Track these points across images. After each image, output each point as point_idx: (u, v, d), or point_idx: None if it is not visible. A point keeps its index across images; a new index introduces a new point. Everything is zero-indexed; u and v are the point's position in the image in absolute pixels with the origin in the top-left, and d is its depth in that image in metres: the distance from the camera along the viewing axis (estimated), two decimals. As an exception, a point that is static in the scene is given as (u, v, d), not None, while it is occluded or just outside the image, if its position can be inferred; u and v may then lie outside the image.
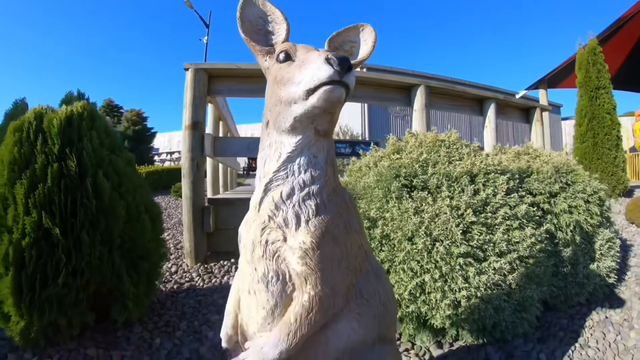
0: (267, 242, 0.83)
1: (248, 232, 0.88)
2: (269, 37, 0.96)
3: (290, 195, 0.83)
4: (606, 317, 2.12)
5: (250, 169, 15.51)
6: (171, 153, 19.68)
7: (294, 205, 0.83)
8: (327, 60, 0.76)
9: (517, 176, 1.95)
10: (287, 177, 0.85)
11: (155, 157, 17.26)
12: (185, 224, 2.90)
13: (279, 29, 0.95)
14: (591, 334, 1.98)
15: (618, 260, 2.29)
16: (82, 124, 1.67)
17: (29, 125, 1.64)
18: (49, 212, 1.51)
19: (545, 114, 4.72)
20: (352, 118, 17.65)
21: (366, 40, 0.99)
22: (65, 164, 1.57)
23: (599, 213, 2.07)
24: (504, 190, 1.77)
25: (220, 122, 4.87)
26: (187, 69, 3.01)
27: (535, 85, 8.12)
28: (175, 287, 2.52)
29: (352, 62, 0.92)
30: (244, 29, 0.93)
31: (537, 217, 1.88)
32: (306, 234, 0.80)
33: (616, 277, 2.36)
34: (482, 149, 2.20)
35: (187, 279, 2.64)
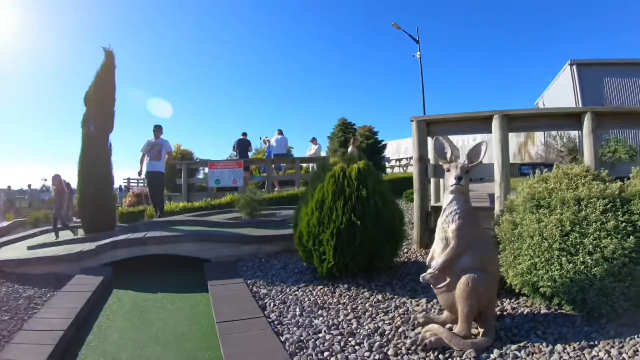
0: (443, 227, 2.93)
1: (439, 222, 3.00)
2: (445, 154, 3.08)
3: (450, 213, 2.90)
4: None
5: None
6: (399, 160, 23.08)
7: (452, 216, 2.89)
8: (454, 177, 2.86)
9: (618, 200, 3.31)
10: (450, 207, 2.92)
11: (385, 164, 20.84)
12: (415, 222, 5.25)
13: (448, 151, 3.06)
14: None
15: None
16: (365, 172, 4.13)
17: (338, 174, 4.17)
18: (355, 214, 3.94)
19: None
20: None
21: (482, 151, 3.00)
22: (360, 192, 3.99)
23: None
24: (600, 210, 3.23)
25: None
26: (412, 121, 5.33)
27: None
28: (405, 260, 4.87)
29: (473, 164, 2.97)
30: (436, 151, 3.11)
31: (629, 231, 3.16)
32: (454, 225, 2.86)
33: None
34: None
35: (413, 257, 4.95)
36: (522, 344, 2.82)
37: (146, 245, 5.94)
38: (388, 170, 20.75)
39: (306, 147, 18.57)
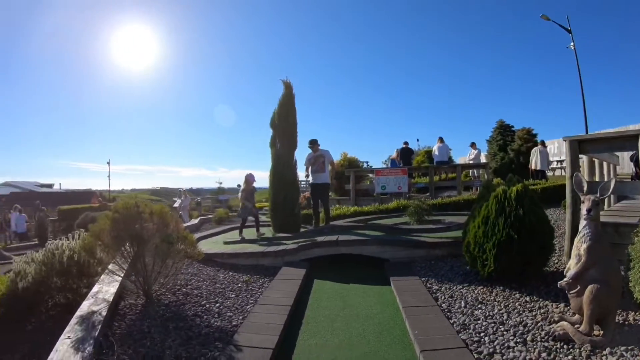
0: (577, 246, 4.19)
1: (575, 241, 4.29)
2: (582, 188, 4.37)
3: (583, 235, 4.14)
4: None
5: (638, 177, 17.13)
6: (561, 161, 22.43)
7: (584, 238, 4.13)
8: (585, 209, 4.17)
9: None
10: (583, 230, 4.17)
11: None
12: (566, 235, 6.23)
13: (584, 185, 4.37)
14: None
15: None
16: (522, 194, 5.45)
17: (501, 196, 5.53)
18: (512, 229, 5.30)
19: None
20: None
21: (611, 187, 4.24)
22: (518, 211, 5.31)
23: None
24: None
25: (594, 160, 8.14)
26: (565, 140, 6.28)
27: None
28: (554, 269, 6.02)
29: (604, 196, 4.25)
30: (575, 186, 4.50)
31: None
32: (585, 245, 4.10)
33: None
34: None
35: (562, 267, 5.88)
36: (630, 347, 3.68)
37: (339, 246, 8.08)
38: (549, 174, 20.41)
39: (465, 152, 19.69)
